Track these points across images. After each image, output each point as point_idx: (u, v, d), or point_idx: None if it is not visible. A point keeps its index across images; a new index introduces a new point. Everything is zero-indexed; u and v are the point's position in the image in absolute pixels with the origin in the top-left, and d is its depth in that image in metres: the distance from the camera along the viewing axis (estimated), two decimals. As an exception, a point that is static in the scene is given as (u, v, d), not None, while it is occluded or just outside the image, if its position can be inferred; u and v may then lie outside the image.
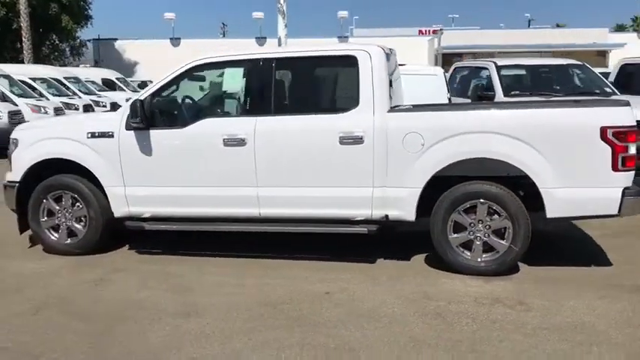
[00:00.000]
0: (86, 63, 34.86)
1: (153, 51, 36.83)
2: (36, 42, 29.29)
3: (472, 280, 4.95)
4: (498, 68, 9.22)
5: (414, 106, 5.71)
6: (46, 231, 5.84)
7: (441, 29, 38.92)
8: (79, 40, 36.02)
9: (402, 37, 36.51)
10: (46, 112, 16.50)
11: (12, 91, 16.47)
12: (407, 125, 5.04)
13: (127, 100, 22.36)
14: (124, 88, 26.48)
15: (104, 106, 21.26)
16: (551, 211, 4.90)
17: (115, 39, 39.48)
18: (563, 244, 6.01)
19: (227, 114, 6.19)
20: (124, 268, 5.44)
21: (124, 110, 5.54)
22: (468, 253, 5.08)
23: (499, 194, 4.95)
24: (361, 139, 5.06)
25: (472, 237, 5.06)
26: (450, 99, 8.12)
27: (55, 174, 5.79)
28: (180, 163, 5.44)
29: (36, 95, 17.61)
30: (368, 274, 5.18)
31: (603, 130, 4.71)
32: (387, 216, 5.18)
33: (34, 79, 18.77)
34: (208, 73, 6.14)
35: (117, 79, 26.94)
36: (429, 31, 43.86)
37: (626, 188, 4.80)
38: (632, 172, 4.81)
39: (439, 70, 8.55)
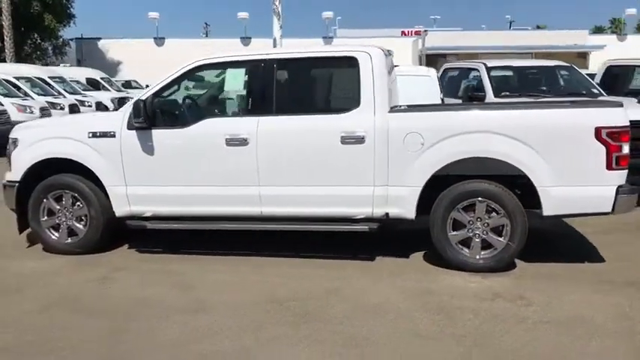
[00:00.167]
0: (67, 62, 34.49)
1: (137, 50, 36.62)
2: (18, 41, 29.01)
3: (471, 277, 5.07)
4: (488, 69, 9.38)
5: (414, 106, 5.82)
6: (46, 230, 5.84)
7: (425, 30, 39.21)
8: (61, 39, 35.70)
9: (385, 38, 36.74)
10: (32, 112, 16.36)
11: (-3, 91, 16.32)
12: (407, 125, 5.15)
13: (113, 99, 22.20)
14: (109, 87, 26.31)
15: (89, 106, 21.14)
16: (548, 208, 5.04)
17: (99, 38, 39.10)
18: (557, 242, 6.17)
19: (229, 114, 6.25)
20: (125, 267, 5.47)
21: (126, 110, 5.57)
22: (467, 250, 5.20)
23: (497, 193, 5.08)
24: (362, 138, 5.15)
25: (471, 234, 5.18)
26: (442, 99, 8.25)
27: (54, 174, 5.80)
28: (182, 162, 5.49)
29: (21, 95, 17.45)
30: (369, 271, 5.28)
31: (598, 131, 4.86)
32: (387, 214, 5.29)
33: (18, 79, 18.59)
34: (210, 73, 6.18)
35: (101, 78, 26.75)
36: (412, 32, 44.13)
37: (619, 186, 4.95)
38: (626, 171, 4.98)
39: (432, 71, 8.68)
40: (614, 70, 10.16)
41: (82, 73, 26.60)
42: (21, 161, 5.84)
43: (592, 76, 10.63)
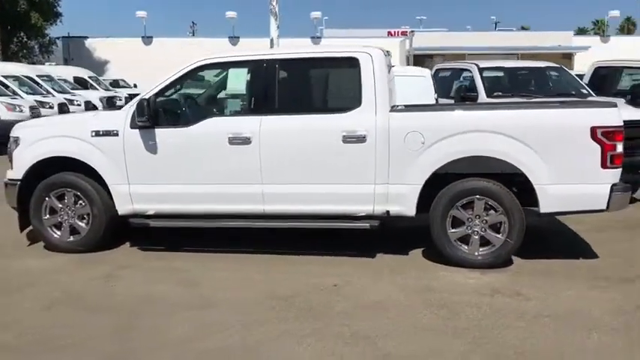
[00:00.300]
0: (52, 61, 34.20)
1: (124, 49, 36.42)
2: (4, 39, 28.78)
3: (470, 273, 5.19)
4: (480, 70, 9.53)
5: (414, 106, 5.92)
6: (48, 229, 5.87)
7: (412, 31, 39.42)
8: (48, 38, 35.42)
9: (373, 39, 36.94)
10: (21, 111, 16.27)
11: (-15, 90, 16.22)
12: (408, 125, 5.25)
13: (101, 98, 22.04)
14: (97, 86, 26.19)
15: (78, 105, 21.04)
16: (545, 206, 5.17)
17: (86, 37, 38.78)
18: (552, 239, 6.31)
19: (232, 113, 6.32)
20: (128, 265, 5.52)
21: (129, 109, 5.61)
22: (466, 247, 5.32)
23: (495, 190, 5.20)
24: (364, 137, 5.25)
25: (470, 231, 5.30)
26: (437, 99, 8.38)
27: (55, 172, 5.83)
28: (185, 161, 5.55)
29: (9, 93, 17.32)
30: (369, 268, 5.38)
31: (593, 130, 5.01)
32: (388, 212, 5.39)
33: (6, 77, 18.46)
34: (210, 72, 6.23)
35: (89, 77, 26.61)
36: (398, 32, 44.36)
37: (614, 185, 5.10)
38: (620, 170, 5.12)
39: (427, 71, 8.81)
40: (602, 71, 10.34)
41: (70, 72, 26.45)
42: (22, 160, 5.86)
43: (580, 76, 10.83)
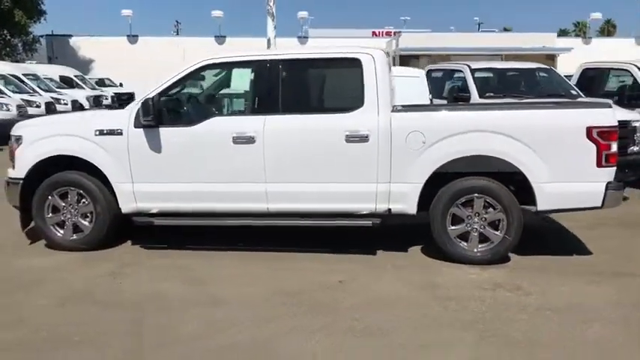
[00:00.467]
0: (33, 60, 33.87)
1: (109, 48, 36.21)
2: (-13, 37, 28.45)
3: (470, 268, 5.33)
4: (472, 71, 9.71)
5: (415, 106, 6.05)
6: (51, 227, 5.90)
7: (399, 32, 39.65)
8: (32, 36, 35.05)
9: (358, 39, 37.13)
10: (8, 110, 16.20)
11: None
12: (410, 124, 5.37)
13: (88, 98, 21.90)
14: (83, 85, 26.02)
15: (65, 104, 20.91)
16: (542, 204, 5.33)
17: (70, 35, 38.47)
18: (546, 236, 6.47)
19: (236, 113, 6.38)
20: (133, 263, 5.57)
21: (133, 108, 5.66)
22: (465, 244, 5.46)
23: (494, 189, 5.34)
24: (366, 137, 5.36)
25: (469, 229, 5.44)
26: (431, 100, 8.52)
27: (57, 171, 5.86)
28: (189, 159, 5.61)
29: (-4, 92, 17.19)
30: (372, 264, 5.49)
31: (589, 130, 5.17)
32: (390, 210, 5.50)
33: (-9, 76, 18.32)
34: (216, 72, 6.30)
35: (75, 76, 26.43)
36: (383, 32, 44.58)
37: (608, 183, 5.27)
38: (614, 168, 5.29)
39: (421, 72, 8.95)
40: (589, 73, 10.60)
41: (56, 71, 26.24)
42: (25, 159, 5.87)
43: (568, 77, 11.05)
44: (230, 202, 5.62)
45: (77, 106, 21.41)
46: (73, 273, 5.30)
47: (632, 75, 9.28)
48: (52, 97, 20.34)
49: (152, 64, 33.91)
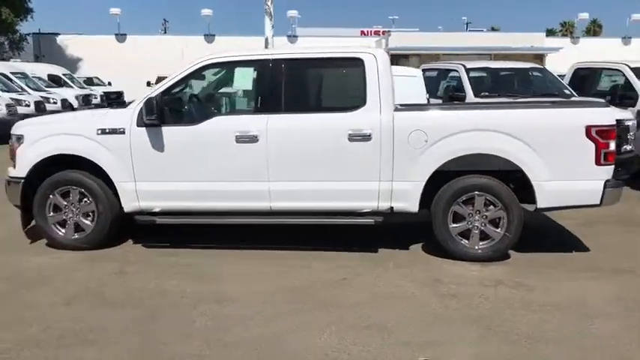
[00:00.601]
0: (17, 58, 33.54)
1: (97, 47, 35.94)
2: (-26, 35, 28.16)
3: (471, 265, 5.40)
4: (467, 70, 9.80)
5: (416, 105, 6.11)
6: (52, 226, 5.89)
7: (388, 31, 39.78)
8: (18, 34, 34.73)
9: (348, 38, 37.21)
10: (-2, 109, 16.04)
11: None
12: (412, 123, 5.44)
13: (77, 96, 21.72)
14: (71, 84, 25.82)
15: (54, 103, 20.73)
16: (542, 201, 5.42)
17: (57, 33, 38.12)
18: (544, 234, 6.56)
19: (239, 112, 6.41)
20: (137, 261, 5.58)
21: (135, 107, 5.66)
22: (466, 241, 5.53)
23: (495, 187, 5.42)
24: (369, 136, 5.41)
25: (470, 226, 5.51)
26: (428, 99, 8.58)
27: (58, 170, 5.85)
28: (192, 158, 5.62)
29: (-17, 91, 17.04)
30: (375, 262, 5.55)
31: (588, 129, 5.26)
32: (392, 208, 5.56)
33: (-21, 74, 18.14)
34: (218, 72, 6.32)
35: (63, 75, 26.22)
36: (371, 32, 44.69)
37: (607, 181, 5.37)
38: (612, 166, 5.39)
39: (418, 72, 9.00)
40: (581, 72, 10.74)
41: (44, 70, 26.00)
42: (26, 158, 5.85)
43: (560, 77, 11.18)
44: (233, 200, 5.65)
45: (67, 105, 21.27)
46: (79, 271, 5.30)
47: (624, 75, 9.41)
48: (42, 96, 20.16)
49: (140, 62, 33.86)
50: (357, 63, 5.57)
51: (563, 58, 29.82)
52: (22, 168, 5.87)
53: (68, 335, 3.99)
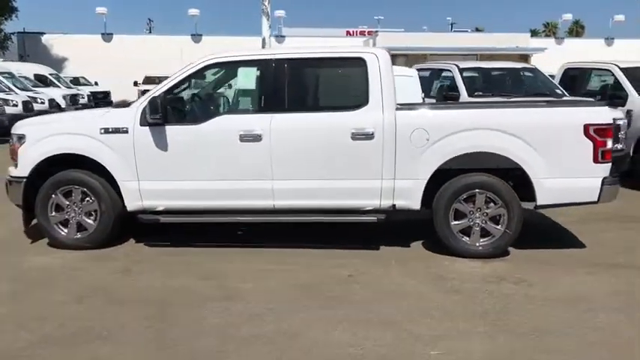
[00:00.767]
0: (0, 57, 33.17)
1: (83, 46, 35.67)
2: (-42, 34, 27.82)
3: (472, 262, 5.50)
4: (461, 70, 9.92)
5: (418, 104, 6.19)
6: (54, 226, 5.88)
7: (376, 31, 39.95)
8: (3, 34, 34.36)
9: (334, 38, 37.32)
10: (-14, 109, 15.90)
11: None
12: (414, 122, 5.52)
13: (64, 96, 21.57)
14: (58, 84, 25.61)
15: (42, 103, 20.54)
16: (541, 199, 5.53)
17: (42, 33, 37.76)
18: (542, 230, 6.68)
19: (242, 111, 6.44)
20: (142, 260, 5.60)
21: (138, 106, 5.68)
22: (467, 238, 5.62)
23: (496, 184, 5.52)
24: (372, 135, 5.48)
25: (471, 223, 5.60)
26: (424, 99, 8.68)
27: (58, 170, 5.85)
28: (196, 157, 5.65)
29: (-29, 91, 16.87)
30: (377, 259, 5.62)
31: (586, 127, 5.38)
32: (394, 205, 5.64)
33: (-35, 74, 17.95)
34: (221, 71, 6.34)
35: (50, 74, 26.00)
36: (357, 32, 44.86)
37: (604, 178, 5.49)
38: (610, 164, 5.52)
39: (414, 71, 9.09)
40: (571, 72, 10.91)
41: (30, 69, 25.76)
42: (28, 157, 5.84)
43: (551, 77, 11.35)
44: (236, 199, 5.69)
45: (54, 105, 21.08)
46: (84, 271, 5.31)
47: (614, 75, 9.58)
48: (29, 96, 19.98)
49: (126, 62, 33.67)
50: (359, 63, 5.64)
51: (548, 59, 30.22)
52: (24, 167, 5.86)
53: (82, 333, 4.01)
